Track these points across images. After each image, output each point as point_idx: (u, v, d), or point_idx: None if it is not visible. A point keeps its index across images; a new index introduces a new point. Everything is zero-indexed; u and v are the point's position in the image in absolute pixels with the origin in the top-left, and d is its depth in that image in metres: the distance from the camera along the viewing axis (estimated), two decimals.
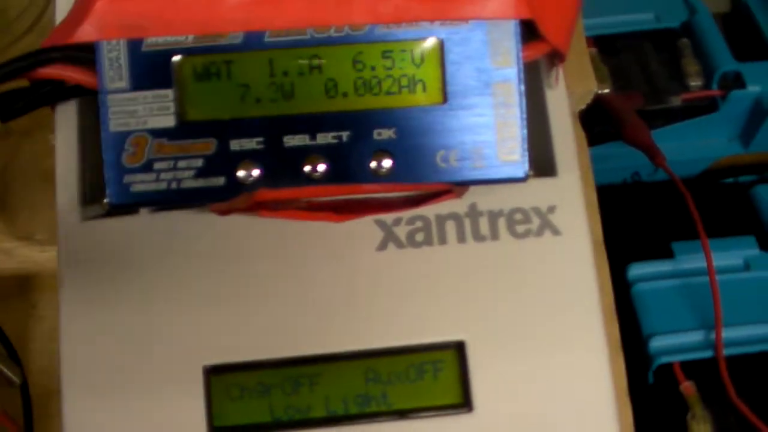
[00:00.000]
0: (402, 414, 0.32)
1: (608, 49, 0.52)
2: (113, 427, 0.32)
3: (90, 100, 0.33)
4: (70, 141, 0.33)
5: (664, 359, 0.43)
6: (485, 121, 0.31)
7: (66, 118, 0.34)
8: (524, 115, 0.31)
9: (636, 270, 0.46)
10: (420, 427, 0.32)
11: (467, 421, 0.32)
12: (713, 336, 0.43)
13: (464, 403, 0.32)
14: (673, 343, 0.44)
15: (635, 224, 0.49)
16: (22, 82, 0.33)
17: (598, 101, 0.46)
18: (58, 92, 0.33)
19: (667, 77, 0.51)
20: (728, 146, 0.52)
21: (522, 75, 0.31)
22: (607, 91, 0.50)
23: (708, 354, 0.43)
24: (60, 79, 0.32)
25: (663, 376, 0.44)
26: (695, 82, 0.51)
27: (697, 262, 0.45)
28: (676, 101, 0.51)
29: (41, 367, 0.45)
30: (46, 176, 0.47)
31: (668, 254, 0.46)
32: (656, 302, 0.45)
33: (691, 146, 0.51)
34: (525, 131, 0.31)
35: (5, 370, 0.35)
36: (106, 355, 0.32)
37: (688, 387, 0.43)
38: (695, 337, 0.44)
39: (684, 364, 0.43)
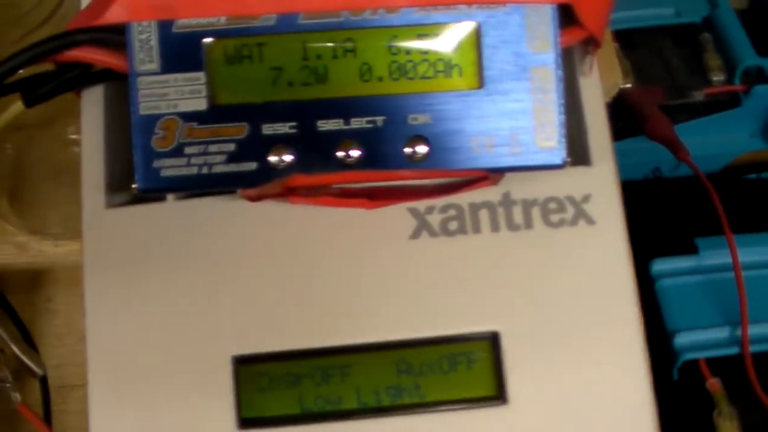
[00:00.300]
0: (434, 406, 0.31)
1: (628, 43, 0.52)
2: (140, 418, 0.31)
3: (116, 85, 0.33)
4: (96, 127, 0.33)
5: (690, 356, 0.43)
6: (522, 107, 0.30)
7: (92, 103, 0.33)
8: (562, 101, 0.30)
9: (660, 265, 0.45)
10: (453, 419, 0.31)
11: (501, 414, 0.31)
12: (739, 332, 0.42)
13: (498, 395, 0.31)
14: (698, 339, 0.43)
15: (658, 220, 0.48)
16: (47, 66, 0.32)
17: (619, 96, 0.46)
18: (84, 76, 0.32)
19: (688, 72, 0.51)
20: (750, 142, 0.51)
21: (560, 60, 0.30)
22: (628, 85, 0.49)
23: (734, 351, 0.42)
24: (87, 62, 0.31)
25: (688, 373, 0.43)
26: (717, 77, 0.50)
27: (721, 257, 0.44)
28: (698, 96, 0.50)
29: (56, 361, 0.45)
30: (59, 170, 0.47)
31: (692, 250, 0.45)
32: (680, 298, 0.44)
33: (713, 141, 0.50)
34: (563, 117, 0.30)
35: (28, 362, 0.34)
36: (132, 346, 0.31)
37: (714, 384, 0.42)
38: (720, 333, 0.43)
39: (709, 361, 0.43)
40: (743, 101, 0.49)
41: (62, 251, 0.47)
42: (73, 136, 0.49)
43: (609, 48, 0.43)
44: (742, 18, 0.52)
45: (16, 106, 0.34)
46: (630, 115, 0.48)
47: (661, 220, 0.48)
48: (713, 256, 0.45)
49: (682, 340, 0.43)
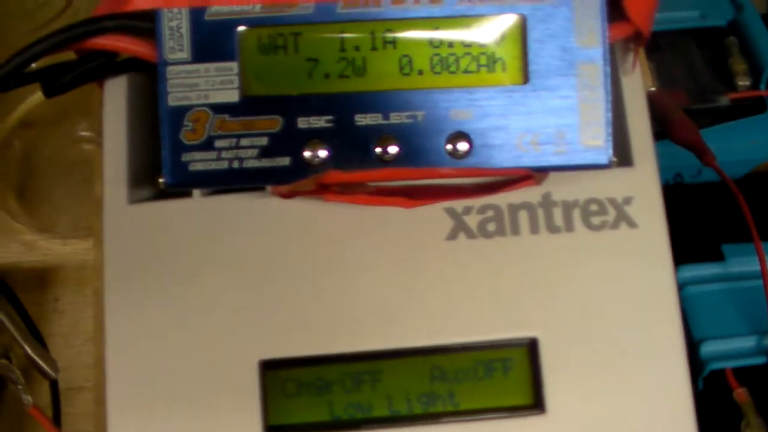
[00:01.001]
0: (469, 415, 0.30)
1: (652, 46, 0.51)
2: (161, 423, 0.30)
3: (140, 76, 0.32)
4: (119, 119, 0.32)
5: (716, 365, 0.42)
6: (569, 104, 0.29)
7: (115, 94, 0.32)
8: (609, 98, 0.29)
9: (685, 272, 0.44)
10: (488, 428, 0.30)
11: (539, 423, 0.30)
12: (766, 342, 0.42)
13: (536, 404, 0.30)
14: (725, 348, 0.42)
15: (682, 226, 0.47)
16: (69, 56, 0.31)
17: None
18: (108, 66, 0.31)
19: (712, 76, 0.50)
20: None
21: (608, 56, 0.29)
22: (652, 89, 0.48)
23: (761, 360, 0.42)
24: (113, 50, 0.30)
25: (714, 383, 0.42)
26: (742, 82, 0.49)
27: (748, 265, 0.43)
28: (722, 101, 0.49)
29: (63, 363, 0.43)
30: (69, 168, 0.45)
31: (718, 257, 0.44)
32: (707, 306, 0.43)
33: (738, 147, 0.49)
34: (610, 115, 0.29)
35: (42, 364, 0.33)
36: (153, 348, 0.30)
37: (741, 394, 0.41)
38: (748, 342, 0.42)
39: (736, 371, 0.42)
40: None
41: (70, 250, 0.46)
42: (84, 134, 0.48)
43: (639, 51, 0.42)
44: (766, 22, 0.51)
45: (34, 97, 0.32)
46: (653, 118, 0.47)
47: (686, 226, 0.47)
48: (740, 263, 0.44)
49: (708, 349, 0.42)
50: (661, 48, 0.51)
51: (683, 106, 0.49)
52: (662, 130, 0.47)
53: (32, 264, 0.46)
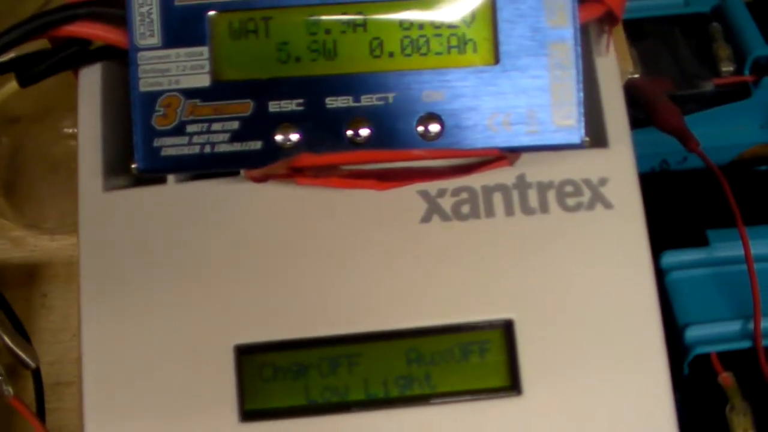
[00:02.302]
0: (446, 397, 0.30)
1: (637, 33, 0.51)
2: (137, 409, 0.30)
3: (115, 65, 0.32)
4: (94, 107, 0.32)
5: (701, 350, 0.42)
6: (540, 84, 0.29)
7: (89, 82, 0.32)
8: (581, 78, 0.29)
9: (670, 258, 0.44)
10: (465, 411, 0.30)
11: (515, 405, 0.30)
12: (751, 326, 0.41)
13: (512, 385, 0.30)
14: (709, 333, 0.42)
15: (667, 212, 0.47)
16: (43, 45, 0.31)
17: (627, 86, 0.44)
18: (82, 54, 0.31)
19: (697, 62, 0.50)
20: (760, 133, 0.50)
21: (579, 36, 0.29)
22: (636, 75, 0.48)
23: (746, 344, 0.41)
24: (86, 37, 0.30)
25: (699, 368, 0.42)
26: (727, 68, 0.49)
27: (733, 250, 0.43)
28: (707, 87, 0.49)
29: (52, 358, 0.44)
30: (55, 164, 0.45)
31: (703, 242, 0.44)
32: (691, 291, 0.43)
33: (723, 133, 0.49)
34: (581, 95, 0.29)
35: (21, 353, 0.33)
36: (130, 335, 0.30)
37: (726, 378, 0.41)
38: (732, 327, 0.42)
39: (721, 355, 0.42)
40: (753, 92, 0.48)
41: (58, 246, 0.47)
42: (69, 130, 0.48)
43: (619, 35, 0.42)
44: (751, 8, 0.51)
45: (10, 86, 0.32)
46: (637, 105, 0.47)
47: (671, 212, 0.47)
48: (724, 248, 0.44)
49: (693, 333, 0.42)
50: (646, 35, 0.51)
51: (668, 93, 0.49)
52: (647, 116, 0.47)
53: (20, 260, 0.46)
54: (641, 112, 0.47)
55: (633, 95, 0.47)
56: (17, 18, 0.45)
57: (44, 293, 0.46)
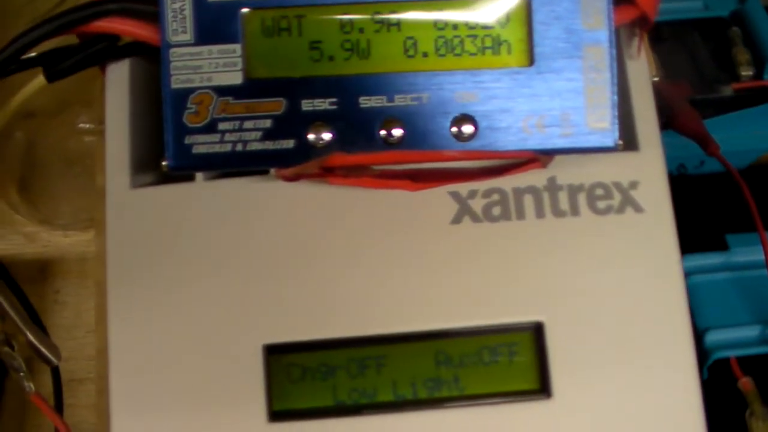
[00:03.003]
0: (474, 399, 0.30)
1: (655, 37, 0.51)
2: (165, 407, 0.29)
3: (142, 61, 0.31)
4: (122, 103, 0.31)
5: (721, 354, 0.41)
6: (574, 86, 0.29)
7: (117, 78, 0.32)
8: (615, 81, 0.29)
9: (689, 262, 0.44)
10: (493, 413, 0.30)
11: (545, 408, 0.30)
12: None
13: (542, 389, 0.30)
14: (729, 337, 0.42)
15: (686, 216, 0.47)
16: (71, 40, 0.31)
17: None
18: (110, 50, 0.31)
19: (716, 67, 0.50)
20: None
21: (614, 38, 0.29)
22: (656, 79, 0.48)
23: (766, 349, 0.41)
24: (116, 33, 0.30)
25: (719, 372, 0.42)
26: (746, 72, 0.49)
27: (752, 254, 0.43)
28: (726, 91, 0.49)
29: (66, 354, 0.43)
30: (70, 160, 0.45)
31: (722, 246, 0.44)
32: (711, 295, 0.43)
33: (741, 137, 0.49)
34: (616, 98, 0.29)
35: (44, 350, 0.33)
36: (157, 334, 0.30)
37: (746, 383, 0.41)
38: (752, 331, 0.42)
39: (741, 360, 0.42)
40: None
41: (71, 242, 0.46)
42: (85, 125, 0.48)
43: (644, 40, 0.42)
44: None
45: (35, 82, 0.32)
46: (657, 109, 0.47)
47: (690, 216, 0.47)
48: (744, 252, 0.44)
49: (712, 338, 0.42)
50: (664, 39, 0.51)
51: (687, 97, 0.48)
52: (666, 120, 0.46)
53: (33, 256, 0.46)
54: (660, 115, 0.47)
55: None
56: (26, 18, 0.45)
57: (57, 289, 0.46)
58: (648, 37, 0.49)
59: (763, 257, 0.42)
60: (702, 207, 0.48)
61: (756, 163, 0.50)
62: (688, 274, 0.43)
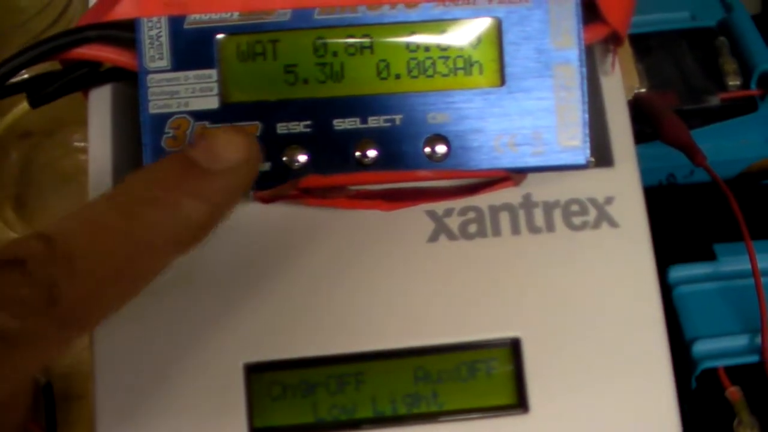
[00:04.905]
0: (453, 415, 0.30)
1: (642, 47, 0.51)
2: (148, 426, 0.30)
3: (124, 86, 0.32)
4: (104, 128, 0.32)
5: (708, 364, 0.42)
6: (545, 105, 0.29)
7: (100, 104, 0.32)
8: (586, 99, 0.29)
9: (677, 272, 0.44)
10: (472, 428, 0.30)
11: (522, 423, 0.30)
12: (758, 340, 0.42)
13: (519, 403, 0.30)
14: (717, 347, 0.42)
15: (674, 226, 0.47)
16: (54, 66, 0.32)
17: (634, 100, 0.45)
18: (92, 76, 0.31)
19: (703, 77, 0.50)
20: (767, 147, 0.50)
21: (583, 57, 0.29)
22: (643, 90, 0.48)
23: (753, 359, 0.41)
24: (96, 59, 0.30)
25: (707, 382, 0.42)
26: (733, 82, 0.49)
27: (740, 264, 0.43)
28: (713, 101, 0.49)
29: (62, 372, 0.44)
30: (65, 178, 0.46)
31: (710, 256, 0.44)
32: (699, 305, 0.43)
33: (729, 147, 0.49)
34: (587, 116, 0.29)
35: None
36: (139, 354, 0.30)
37: (734, 392, 0.41)
38: (740, 341, 0.42)
39: (729, 369, 0.42)
40: (759, 106, 0.48)
41: None
42: (79, 144, 0.48)
43: (625, 51, 0.42)
44: (757, 22, 0.51)
45: (21, 107, 0.33)
46: (644, 119, 0.47)
47: (678, 226, 0.47)
48: (732, 262, 0.44)
49: (700, 348, 0.42)
50: (652, 49, 0.51)
51: (674, 107, 0.49)
52: (653, 131, 0.47)
53: None
54: (648, 126, 0.47)
55: (639, 110, 0.47)
56: (19, 39, 0.46)
57: None
58: (635, 47, 0.49)
59: (750, 267, 0.42)
60: (691, 217, 0.48)
61: (744, 173, 0.50)
62: (676, 284, 0.43)
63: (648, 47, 0.51)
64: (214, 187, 0.25)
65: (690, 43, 0.51)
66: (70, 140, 0.49)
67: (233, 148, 0.26)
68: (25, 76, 0.31)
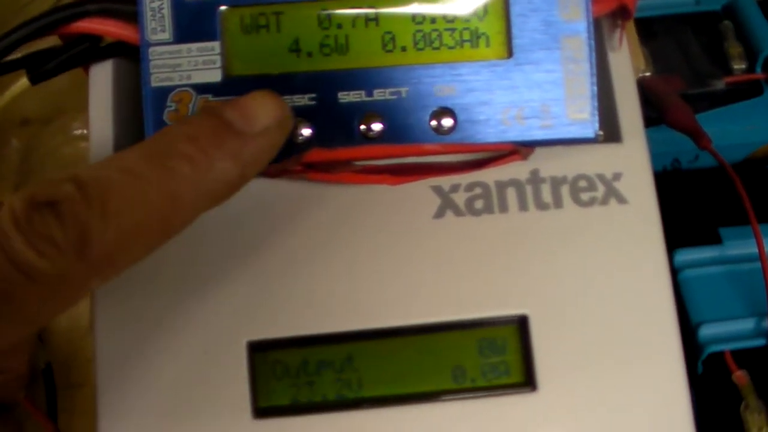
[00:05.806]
0: (460, 393, 0.30)
1: (647, 32, 0.51)
2: (151, 407, 0.29)
3: (126, 62, 0.31)
4: (105, 104, 0.31)
5: (715, 348, 0.41)
6: (553, 77, 0.29)
7: (100, 79, 0.32)
8: (594, 71, 0.29)
9: (682, 256, 0.44)
10: (480, 406, 0.30)
11: (530, 400, 0.30)
12: (765, 323, 0.41)
13: (527, 381, 0.30)
14: (723, 331, 0.42)
15: (680, 210, 0.47)
16: (54, 42, 0.31)
17: (639, 84, 0.44)
18: (93, 51, 0.31)
19: (708, 61, 0.50)
20: None
21: (592, 29, 0.29)
22: (648, 74, 0.48)
23: (760, 342, 0.41)
24: (97, 33, 0.30)
25: (713, 366, 0.42)
26: (738, 66, 0.49)
27: (746, 247, 0.43)
28: (718, 85, 0.49)
29: (62, 361, 0.43)
30: (66, 166, 0.45)
31: (716, 240, 0.44)
32: (704, 289, 0.43)
33: (735, 131, 0.49)
34: (595, 88, 0.29)
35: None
36: (142, 333, 0.30)
37: (740, 376, 0.41)
38: (746, 325, 0.42)
39: (735, 353, 0.41)
40: (765, 90, 0.48)
41: None
42: (80, 132, 0.48)
43: (631, 32, 0.42)
44: (762, 6, 0.51)
45: (19, 84, 0.32)
46: (649, 103, 0.47)
47: (683, 210, 0.47)
48: (738, 246, 0.43)
49: (706, 332, 0.42)
50: (657, 34, 0.51)
51: (679, 92, 0.48)
52: (658, 115, 0.46)
53: None
54: (653, 110, 0.47)
55: (644, 94, 0.47)
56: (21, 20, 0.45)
57: None
58: (640, 31, 0.49)
59: (756, 250, 0.41)
60: (696, 201, 0.48)
61: (749, 157, 0.50)
62: (682, 268, 0.43)
63: (653, 32, 0.51)
64: (247, 148, 0.25)
65: (695, 28, 0.51)
66: (70, 128, 0.48)
67: (267, 111, 0.26)
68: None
